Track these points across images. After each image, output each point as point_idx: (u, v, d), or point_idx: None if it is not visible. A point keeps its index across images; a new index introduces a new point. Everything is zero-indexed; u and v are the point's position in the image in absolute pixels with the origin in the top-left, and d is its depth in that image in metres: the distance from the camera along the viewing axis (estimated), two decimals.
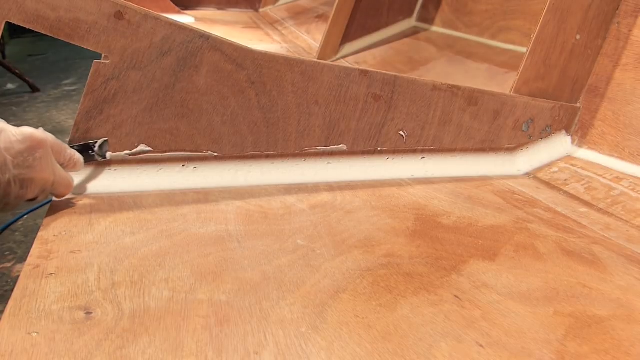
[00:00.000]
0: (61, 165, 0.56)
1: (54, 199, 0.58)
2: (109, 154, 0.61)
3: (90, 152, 0.60)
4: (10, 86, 3.16)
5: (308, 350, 0.37)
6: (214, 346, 0.37)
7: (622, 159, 0.73)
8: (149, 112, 0.61)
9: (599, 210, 0.66)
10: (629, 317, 0.44)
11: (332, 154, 0.70)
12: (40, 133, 0.53)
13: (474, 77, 1.08)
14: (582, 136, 0.80)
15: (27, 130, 0.52)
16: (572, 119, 0.82)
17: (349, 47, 1.43)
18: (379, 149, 0.72)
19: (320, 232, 0.55)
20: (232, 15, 2.37)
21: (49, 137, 0.54)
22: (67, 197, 0.58)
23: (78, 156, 0.58)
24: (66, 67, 3.70)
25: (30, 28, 0.55)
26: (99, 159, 0.61)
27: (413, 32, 1.44)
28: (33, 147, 0.52)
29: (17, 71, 3.02)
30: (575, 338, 0.40)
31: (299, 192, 0.65)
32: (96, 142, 0.60)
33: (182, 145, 0.64)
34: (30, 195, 0.53)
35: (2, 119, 0.52)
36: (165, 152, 0.64)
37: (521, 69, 0.79)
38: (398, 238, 0.55)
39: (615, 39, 0.80)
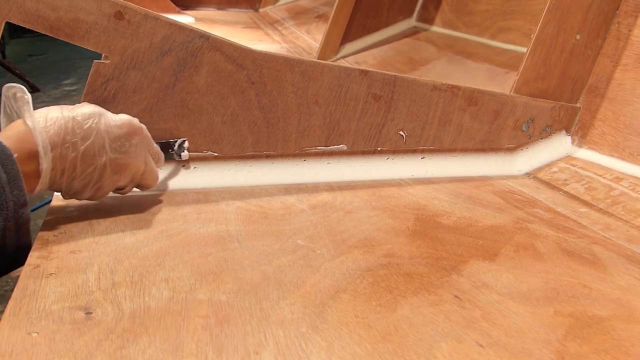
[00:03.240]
0: None
1: (139, 190, 0.59)
2: (184, 154, 0.62)
3: (170, 150, 0.62)
4: None
5: (308, 350, 0.37)
6: (214, 346, 0.37)
7: (622, 159, 0.73)
8: (149, 112, 0.61)
9: (599, 210, 0.66)
10: (629, 317, 0.44)
11: (332, 154, 0.70)
12: (137, 121, 0.55)
13: (474, 77, 1.08)
14: (582, 136, 0.80)
15: (125, 116, 0.54)
16: (572, 119, 0.82)
17: (349, 47, 1.43)
18: (379, 149, 0.72)
19: (320, 232, 0.55)
20: (232, 15, 2.37)
21: (144, 127, 0.56)
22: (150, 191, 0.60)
23: (161, 152, 0.59)
24: (66, 67, 3.70)
25: (30, 28, 0.55)
26: (177, 157, 0.62)
27: (413, 32, 1.44)
28: (130, 134, 0.53)
29: (17, 71, 3.02)
30: (575, 338, 0.40)
31: (299, 192, 0.65)
32: (176, 141, 0.62)
33: None
34: (122, 182, 0.54)
35: None
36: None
37: (521, 69, 0.78)
38: (398, 238, 0.55)
39: (615, 39, 0.79)
